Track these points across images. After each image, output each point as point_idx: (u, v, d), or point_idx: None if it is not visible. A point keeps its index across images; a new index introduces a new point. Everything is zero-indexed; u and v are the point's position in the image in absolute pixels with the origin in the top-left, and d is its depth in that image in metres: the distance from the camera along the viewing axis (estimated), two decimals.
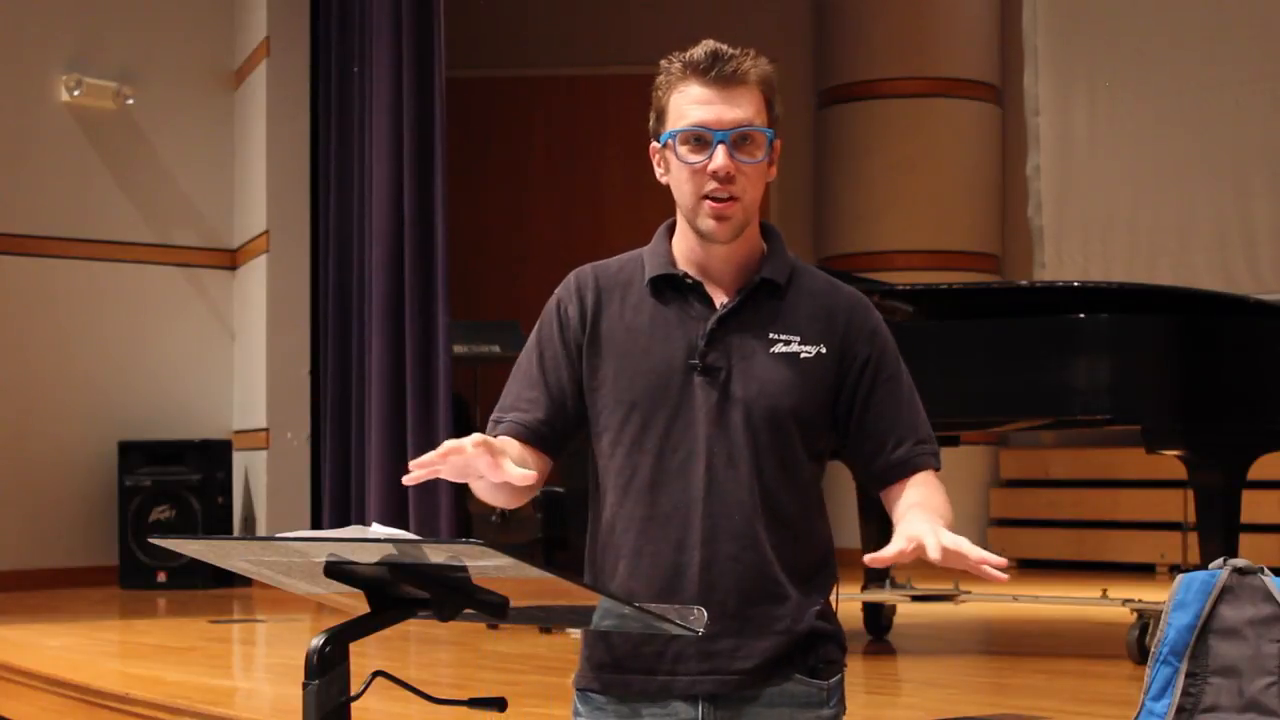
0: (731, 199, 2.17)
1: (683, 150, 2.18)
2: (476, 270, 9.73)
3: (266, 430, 8.53)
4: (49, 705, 5.08)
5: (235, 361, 8.99)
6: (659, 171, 2.27)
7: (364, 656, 1.93)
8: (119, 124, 8.80)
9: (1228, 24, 8.86)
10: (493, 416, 2.29)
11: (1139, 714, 2.68)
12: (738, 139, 2.16)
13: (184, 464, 8.57)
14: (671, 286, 2.24)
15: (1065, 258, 9.37)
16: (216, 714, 4.30)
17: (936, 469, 2.25)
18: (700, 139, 2.17)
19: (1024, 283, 8.19)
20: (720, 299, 2.23)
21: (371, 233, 7.86)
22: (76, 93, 8.61)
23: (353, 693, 1.88)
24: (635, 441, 2.20)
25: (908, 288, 5.77)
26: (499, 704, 2.22)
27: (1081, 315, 5.03)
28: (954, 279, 9.05)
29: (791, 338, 2.20)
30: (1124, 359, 4.91)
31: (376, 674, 1.92)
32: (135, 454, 8.54)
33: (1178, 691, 2.63)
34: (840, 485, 8.18)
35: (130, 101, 8.78)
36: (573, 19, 10.00)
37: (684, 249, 2.26)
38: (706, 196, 2.17)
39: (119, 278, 8.77)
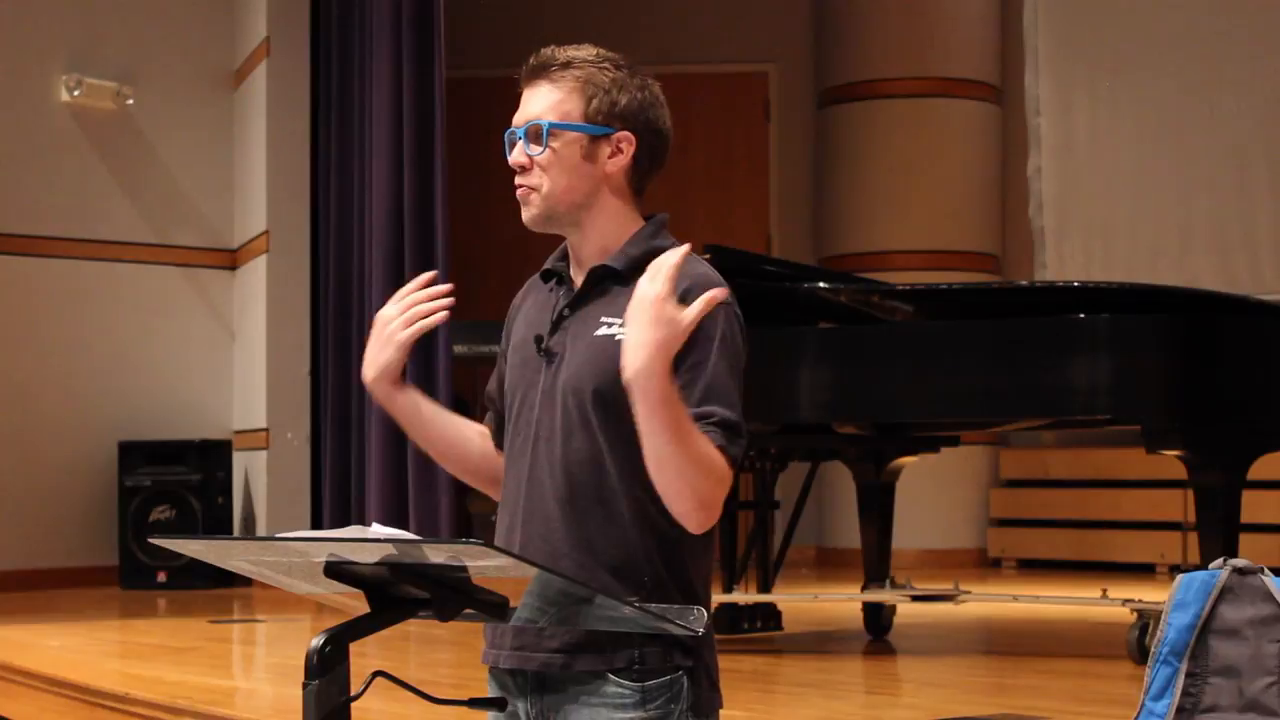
0: (530, 189, 2.27)
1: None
2: (476, 270, 9.72)
3: (266, 430, 8.53)
4: (49, 705, 5.08)
5: (235, 361, 8.99)
6: None
7: (364, 656, 1.93)
8: (119, 124, 8.80)
9: (1228, 24, 8.86)
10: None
11: (1139, 714, 2.68)
12: (531, 133, 2.26)
13: (184, 464, 8.56)
14: (556, 279, 2.34)
15: (1066, 258, 9.37)
16: (216, 714, 4.30)
17: (730, 456, 2.13)
18: (510, 139, 2.30)
19: (1024, 283, 8.20)
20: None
21: (371, 233, 7.86)
22: (76, 93, 8.61)
23: (353, 693, 1.88)
24: (507, 426, 2.31)
25: (908, 288, 5.78)
26: (499, 704, 2.22)
27: (1081, 315, 5.03)
28: (954, 279, 9.04)
29: (615, 320, 2.21)
30: (1124, 359, 4.91)
31: (376, 674, 1.92)
32: (135, 454, 8.53)
33: (1178, 691, 2.64)
34: (840, 485, 8.21)
35: (130, 101, 8.78)
36: (573, 19, 10.00)
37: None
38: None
39: (119, 278, 8.77)
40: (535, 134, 2.25)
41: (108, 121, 8.76)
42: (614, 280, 2.27)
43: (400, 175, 7.71)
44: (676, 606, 2.14)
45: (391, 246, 7.71)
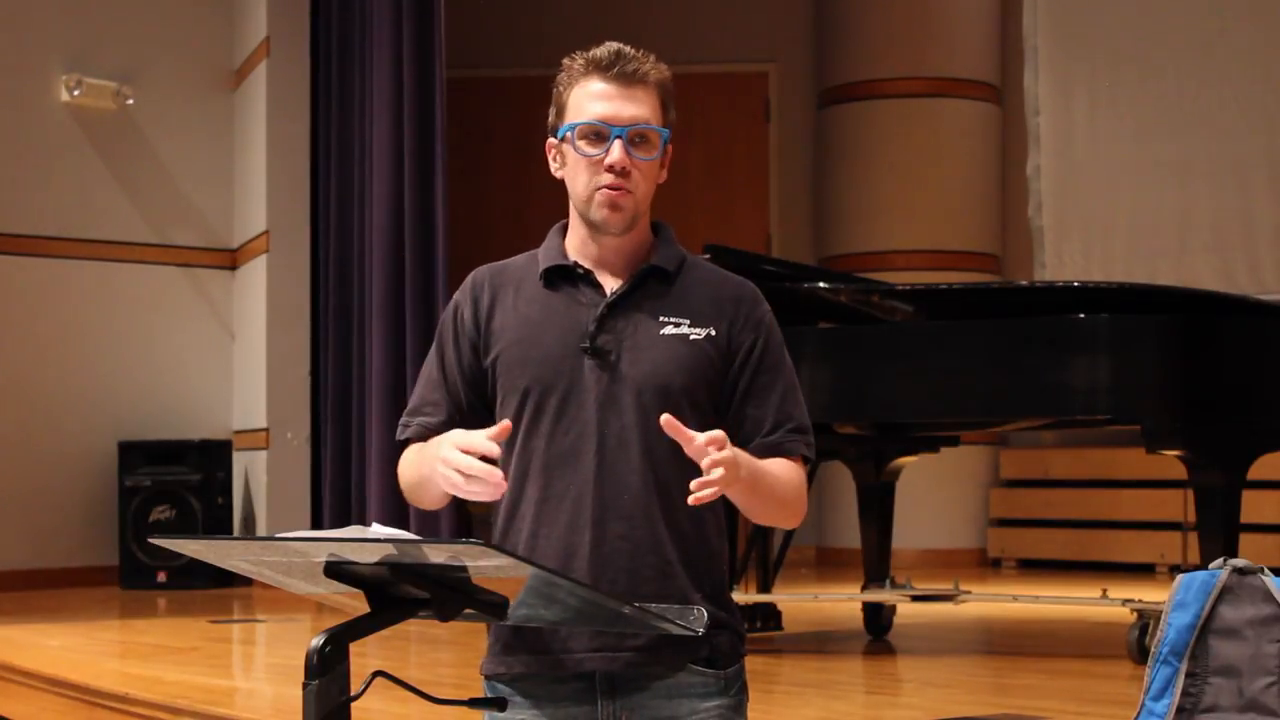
0: (628, 192, 2.24)
1: (581, 144, 2.26)
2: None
3: (266, 430, 8.53)
4: (49, 705, 5.08)
5: (235, 361, 8.99)
6: (554, 166, 2.35)
7: (364, 656, 1.93)
8: (119, 124, 8.80)
9: (1228, 24, 8.86)
10: (402, 420, 2.37)
11: (1139, 714, 2.68)
12: (635, 136, 2.24)
13: (184, 464, 8.56)
14: (564, 277, 2.31)
15: (1065, 258, 9.37)
16: (216, 714, 4.30)
17: (807, 459, 2.30)
18: (599, 133, 2.25)
19: (1024, 283, 8.19)
20: (611, 286, 2.29)
21: (371, 233, 7.86)
22: (76, 93, 8.61)
23: (353, 693, 1.88)
24: (530, 426, 2.26)
25: (908, 288, 5.77)
26: (499, 704, 2.22)
27: (1081, 315, 5.03)
28: (954, 279, 9.04)
29: (681, 320, 2.26)
30: (1124, 359, 4.91)
31: (376, 674, 1.92)
32: (135, 454, 8.53)
33: (1178, 691, 2.64)
34: (840, 485, 8.22)
35: (130, 101, 8.78)
36: (573, 19, 10.01)
37: (576, 243, 2.33)
38: (605, 188, 2.25)
39: (119, 278, 8.76)
40: (644, 139, 2.25)
41: (108, 121, 8.76)
42: (661, 280, 2.29)
43: (400, 175, 7.71)
44: (677, 606, 2.16)
45: (391, 246, 7.70)
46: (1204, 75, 8.85)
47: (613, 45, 2.28)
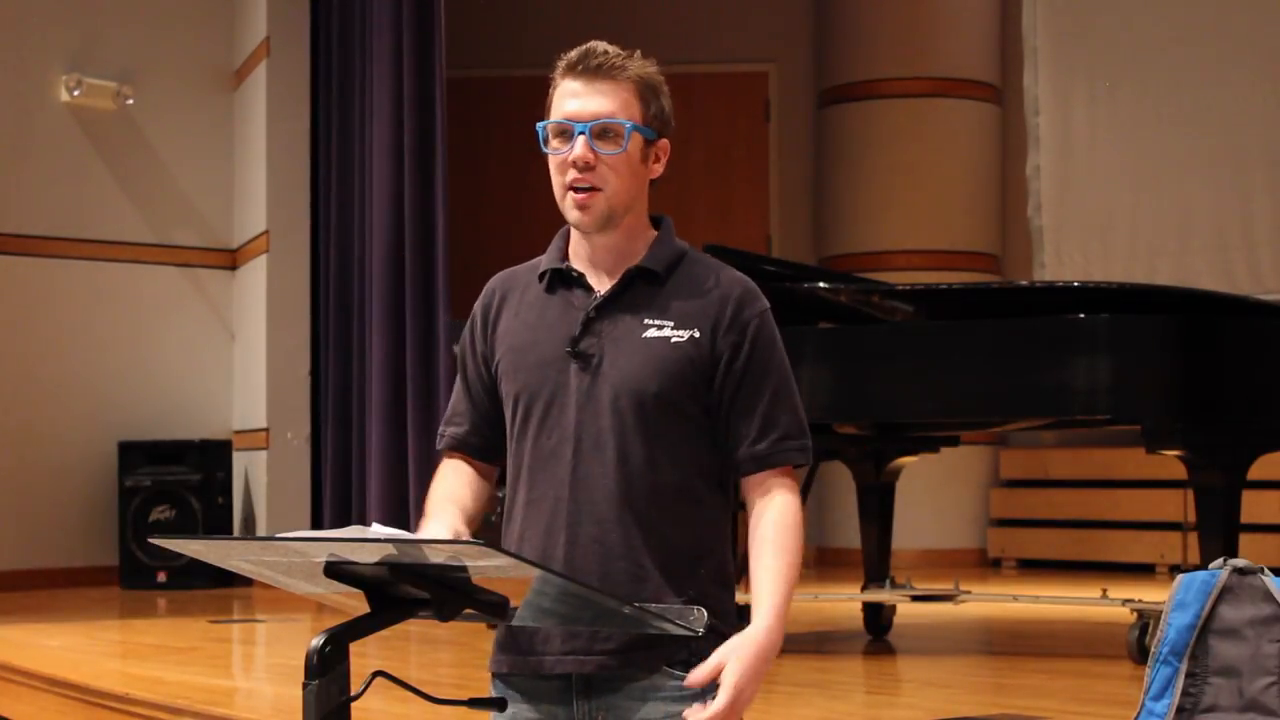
0: (593, 189, 2.23)
1: (553, 143, 2.26)
2: (476, 270, 9.71)
3: (266, 430, 8.53)
4: (49, 705, 5.08)
5: (235, 361, 8.99)
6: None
7: (364, 656, 1.93)
8: (119, 124, 8.80)
9: (1228, 23, 8.86)
10: (440, 429, 2.42)
11: (1139, 714, 2.68)
12: (598, 130, 2.23)
13: (184, 464, 8.56)
14: (561, 281, 2.31)
15: (1065, 258, 9.37)
16: (216, 714, 4.30)
17: (800, 464, 2.29)
18: (564, 131, 2.24)
19: (1024, 283, 8.20)
20: (603, 288, 2.29)
21: (371, 233, 7.86)
22: (76, 93, 8.61)
23: (353, 693, 1.88)
24: (521, 430, 2.27)
25: (908, 288, 5.77)
26: (499, 704, 2.22)
27: (1081, 315, 5.03)
28: (954, 279, 9.04)
29: (665, 323, 2.24)
30: (1124, 359, 4.91)
31: (376, 674, 1.92)
32: (135, 454, 8.54)
33: (1178, 691, 2.64)
34: (840, 485, 8.22)
35: (130, 101, 8.78)
36: (573, 19, 10.00)
37: (574, 245, 2.33)
38: (570, 187, 2.24)
39: (119, 278, 8.76)
40: (606, 132, 2.23)
41: (108, 121, 8.76)
42: (649, 281, 2.27)
43: (400, 175, 7.71)
44: (676, 606, 2.15)
45: (391, 246, 7.71)
46: (1203, 75, 8.85)
47: (587, 44, 2.28)
